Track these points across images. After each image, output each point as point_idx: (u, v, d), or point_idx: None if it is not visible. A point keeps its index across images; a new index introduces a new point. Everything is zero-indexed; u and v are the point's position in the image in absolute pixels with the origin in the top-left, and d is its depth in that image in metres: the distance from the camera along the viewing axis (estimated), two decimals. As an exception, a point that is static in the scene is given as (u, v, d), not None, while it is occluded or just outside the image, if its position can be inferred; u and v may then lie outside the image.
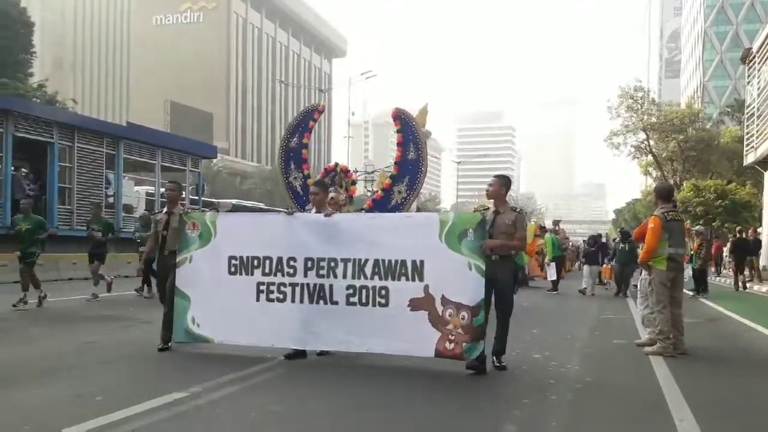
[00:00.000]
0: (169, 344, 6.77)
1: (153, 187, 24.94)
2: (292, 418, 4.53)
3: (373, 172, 50.23)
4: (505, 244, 6.04)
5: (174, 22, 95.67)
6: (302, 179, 8.54)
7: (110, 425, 4.14)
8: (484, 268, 5.75)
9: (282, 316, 6.32)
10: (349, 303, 6.13)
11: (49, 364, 6.16)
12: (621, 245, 16.36)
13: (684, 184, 36.28)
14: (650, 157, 39.40)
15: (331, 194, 7.12)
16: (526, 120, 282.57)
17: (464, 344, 5.73)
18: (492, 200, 6.24)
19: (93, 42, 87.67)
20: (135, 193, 25.96)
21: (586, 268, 17.44)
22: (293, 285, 6.32)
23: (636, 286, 15.80)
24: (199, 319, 6.58)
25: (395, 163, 8.33)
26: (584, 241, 18.83)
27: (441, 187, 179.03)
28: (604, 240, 20.49)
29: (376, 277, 6.06)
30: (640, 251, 8.04)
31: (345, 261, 6.18)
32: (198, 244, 6.71)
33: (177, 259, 6.76)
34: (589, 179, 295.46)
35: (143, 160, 23.92)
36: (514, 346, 7.63)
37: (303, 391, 5.32)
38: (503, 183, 6.28)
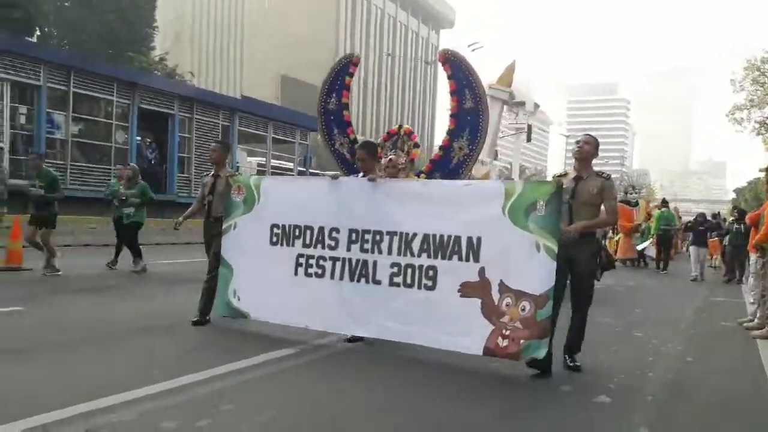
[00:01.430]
0: (208, 317, 6.28)
1: (264, 159, 26.01)
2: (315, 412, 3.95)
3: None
4: (589, 224, 5.04)
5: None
6: (349, 144, 7.40)
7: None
8: (556, 249, 4.67)
9: (319, 294, 5.64)
10: (392, 283, 5.31)
11: (146, 322, 6.45)
12: (736, 226, 14.27)
13: (813, 163, 33.84)
14: (776, 133, 36.91)
15: (390, 156, 6.42)
16: (641, 92, 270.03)
17: (522, 341, 4.72)
18: (577, 163, 5.20)
19: (210, 17, 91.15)
20: (248, 163, 27.18)
21: (693, 249, 15.83)
22: (334, 259, 5.59)
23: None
24: (241, 291, 6.08)
25: (451, 115, 7.06)
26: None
27: (548, 162, 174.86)
28: (718, 220, 19.33)
29: (424, 255, 5.18)
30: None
31: (391, 234, 5.37)
32: (242, 210, 6.18)
33: (223, 226, 6.30)
34: (709, 156, 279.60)
35: (256, 132, 24.99)
36: (614, 323, 7.68)
37: (340, 380, 4.67)
38: (597, 144, 5.25)
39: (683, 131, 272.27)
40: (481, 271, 4.94)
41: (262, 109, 26.55)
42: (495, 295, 4.86)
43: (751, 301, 8.25)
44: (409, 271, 5.25)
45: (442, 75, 7.18)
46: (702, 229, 15.91)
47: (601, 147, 5.60)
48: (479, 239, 4.98)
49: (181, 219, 7.16)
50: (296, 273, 5.77)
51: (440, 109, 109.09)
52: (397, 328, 5.28)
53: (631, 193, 19.61)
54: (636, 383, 4.94)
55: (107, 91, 18.93)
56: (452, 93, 7.01)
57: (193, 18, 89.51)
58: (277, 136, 25.54)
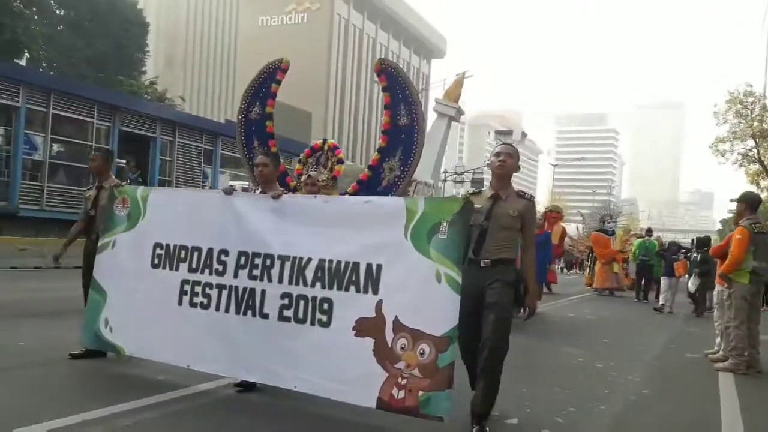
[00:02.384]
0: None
1: (248, 183, 25.97)
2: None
3: (463, 173, 49.90)
4: (532, 276, 4.30)
5: (279, 23, 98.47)
6: None
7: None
8: (459, 280, 3.91)
9: (205, 328, 4.76)
10: (282, 317, 4.46)
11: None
12: (694, 255, 13.79)
13: (795, 195, 34.08)
14: (758, 166, 37.21)
15: (310, 172, 5.85)
16: (630, 123, 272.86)
17: (421, 393, 3.88)
18: (497, 180, 4.32)
19: (203, 42, 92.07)
20: (232, 187, 27.06)
21: (664, 280, 14.85)
22: (221, 287, 4.74)
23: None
24: (113, 321, 5.18)
25: (383, 132, 6.29)
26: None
27: (537, 190, 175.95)
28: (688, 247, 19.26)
29: (318, 285, 4.36)
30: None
31: (283, 259, 4.53)
32: (125, 226, 5.33)
33: (99, 243, 5.44)
34: (697, 187, 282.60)
35: (239, 156, 24.94)
36: (577, 353, 7.62)
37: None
38: (518, 156, 4.39)
39: (672, 162, 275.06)
40: (379, 304, 4.12)
41: (247, 133, 26.59)
42: (389, 334, 4.04)
43: (717, 332, 8.20)
44: (302, 303, 4.41)
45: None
46: (674, 257, 15.21)
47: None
48: (379, 267, 4.19)
49: (60, 250, 6.10)
50: (180, 302, 4.89)
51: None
52: (285, 373, 4.41)
53: (608, 222, 19.54)
54: (584, 417, 4.84)
55: (87, 113, 18.88)
56: (386, 107, 6.28)
57: (185, 42, 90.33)
58: (261, 161, 25.55)
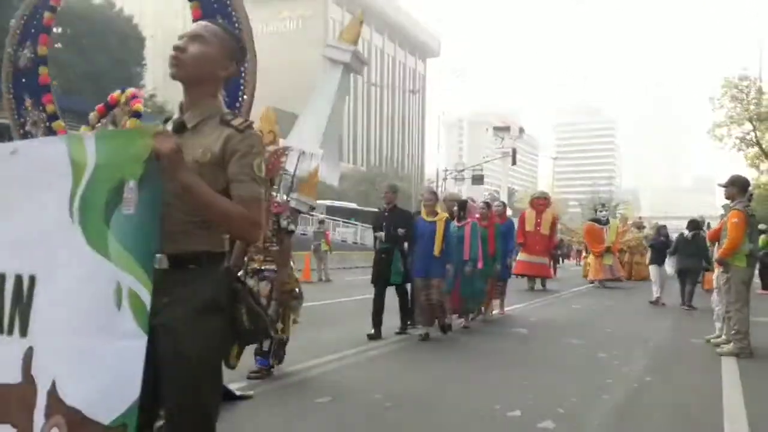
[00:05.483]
0: None
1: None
2: None
3: (462, 170, 49.79)
4: (202, 195, 2.01)
5: (274, 30, 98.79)
6: (45, 122, 4.44)
7: None
8: (148, 301, 1.93)
9: None
10: None
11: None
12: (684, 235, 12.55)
13: (794, 177, 34.10)
14: (757, 149, 37.18)
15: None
16: (628, 112, 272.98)
17: None
18: (184, 91, 2.24)
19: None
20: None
21: (652, 269, 13.45)
22: None
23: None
24: None
25: None
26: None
27: (538, 185, 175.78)
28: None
29: None
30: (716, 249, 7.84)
31: None
32: None
33: None
34: (698, 173, 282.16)
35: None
36: (580, 343, 7.73)
37: None
38: (229, 38, 2.25)
39: (672, 149, 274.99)
40: (27, 359, 2.08)
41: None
42: (38, 418, 2.00)
43: (715, 317, 8.27)
44: None
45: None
46: (661, 243, 13.51)
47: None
48: (32, 281, 2.13)
49: None
50: None
51: (429, 134, 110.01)
52: None
53: (600, 211, 19.07)
54: (587, 407, 4.93)
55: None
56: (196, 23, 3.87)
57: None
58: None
